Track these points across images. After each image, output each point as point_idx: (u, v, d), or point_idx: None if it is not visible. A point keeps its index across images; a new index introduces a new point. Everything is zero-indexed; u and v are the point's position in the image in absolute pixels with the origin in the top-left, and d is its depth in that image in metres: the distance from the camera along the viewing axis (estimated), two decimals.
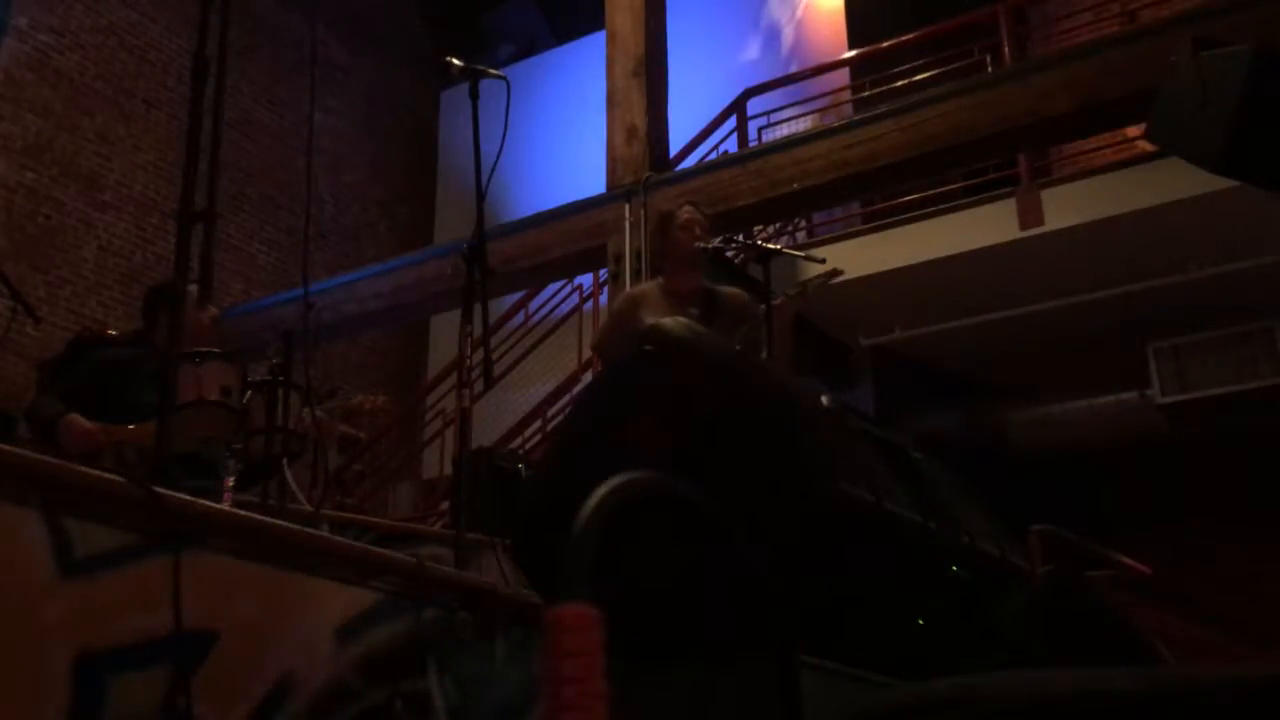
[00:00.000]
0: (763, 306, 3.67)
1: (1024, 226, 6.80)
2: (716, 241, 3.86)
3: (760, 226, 7.10)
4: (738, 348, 3.04)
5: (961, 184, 7.51)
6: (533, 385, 7.98)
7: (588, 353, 7.43)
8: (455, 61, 3.27)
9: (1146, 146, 5.08)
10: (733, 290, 3.94)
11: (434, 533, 4.98)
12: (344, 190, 10.01)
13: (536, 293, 8.25)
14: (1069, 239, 6.72)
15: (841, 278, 3.80)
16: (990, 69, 7.18)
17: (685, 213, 3.95)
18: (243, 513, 2.25)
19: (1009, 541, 2.23)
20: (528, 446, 7.44)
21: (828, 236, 7.69)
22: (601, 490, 1.42)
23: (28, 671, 1.73)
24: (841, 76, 8.58)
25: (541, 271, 6.60)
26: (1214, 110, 3.07)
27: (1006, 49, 7.37)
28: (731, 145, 7.76)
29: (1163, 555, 7.35)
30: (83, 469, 1.96)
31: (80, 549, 1.83)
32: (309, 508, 3.57)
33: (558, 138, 9.29)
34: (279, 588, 2.10)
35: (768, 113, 8.10)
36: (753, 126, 7.96)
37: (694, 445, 1.84)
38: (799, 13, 9.45)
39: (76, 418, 3.48)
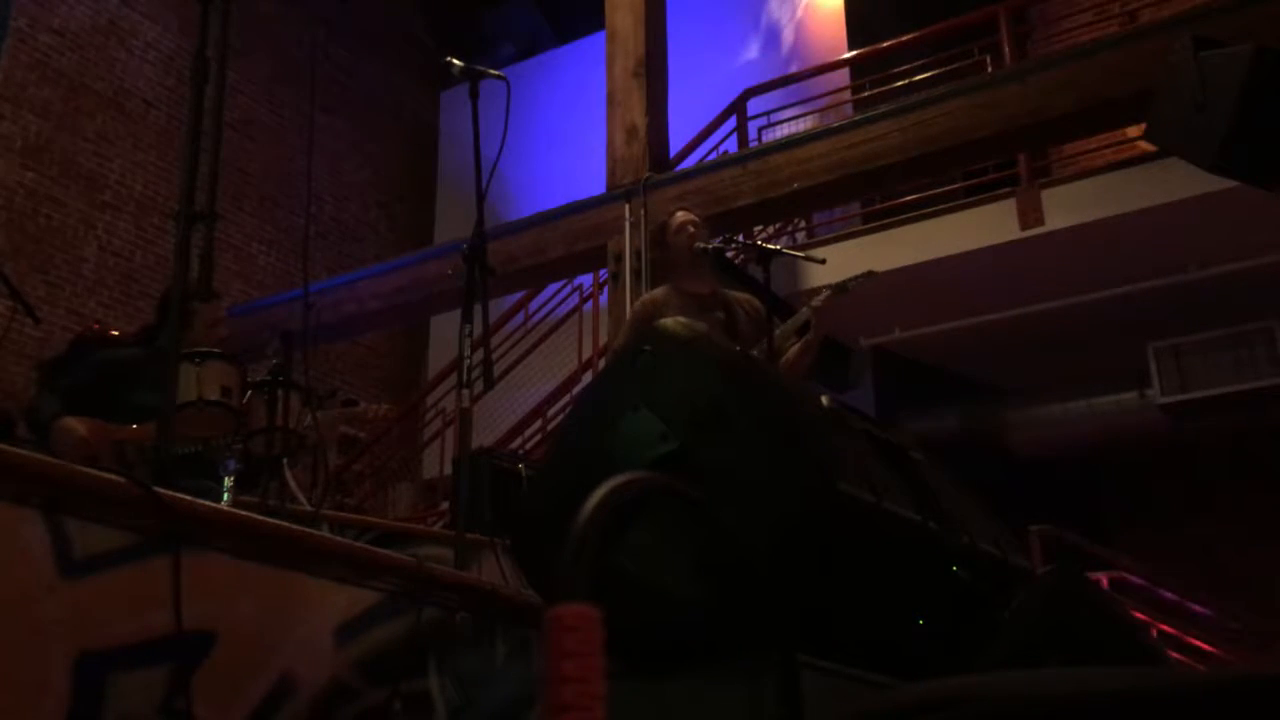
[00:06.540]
0: (763, 307, 3.68)
1: (1024, 226, 6.80)
2: (716, 241, 3.85)
3: (760, 226, 7.10)
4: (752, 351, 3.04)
5: (961, 184, 7.51)
6: (533, 385, 7.98)
7: (588, 352, 7.44)
8: (455, 62, 3.28)
9: (1146, 146, 5.07)
10: (746, 296, 3.92)
11: (434, 533, 4.97)
12: (344, 190, 10.01)
13: (536, 293, 8.24)
14: (1069, 239, 6.71)
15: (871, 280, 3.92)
16: (990, 69, 7.18)
17: (679, 216, 3.94)
18: (243, 513, 2.25)
19: (1009, 541, 2.23)
20: (528, 446, 7.44)
21: (828, 236, 7.69)
22: (601, 490, 1.42)
23: (28, 671, 1.73)
24: (841, 76, 8.58)
25: (541, 271, 6.59)
26: (1214, 110, 3.06)
27: (1006, 49, 7.37)
28: (731, 145, 7.75)
29: (1163, 555, 7.36)
30: (83, 469, 1.96)
31: (80, 549, 1.83)
32: (309, 508, 3.57)
33: (558, 138, 9.29)
34: (279, 588, 2.10)
35: (768, 113, 8.09)
36: (753, 127, 7.95)
37: (694, 445, 1.84)
38: (799, 13, 9.44)
39: (69, 422, 3.46)
